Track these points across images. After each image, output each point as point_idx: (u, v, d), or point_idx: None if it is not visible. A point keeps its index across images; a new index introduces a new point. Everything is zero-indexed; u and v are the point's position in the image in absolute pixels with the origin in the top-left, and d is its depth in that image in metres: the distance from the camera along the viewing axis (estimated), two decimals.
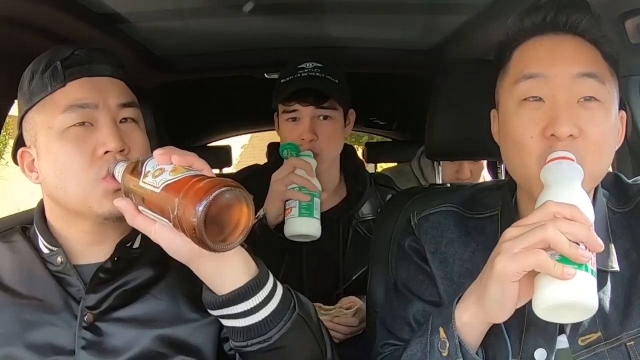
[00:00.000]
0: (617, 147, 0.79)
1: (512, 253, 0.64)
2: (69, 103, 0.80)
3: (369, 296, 1.17)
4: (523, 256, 0.63)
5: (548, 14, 0.76)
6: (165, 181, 0.64)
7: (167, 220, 0.63)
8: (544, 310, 0.64)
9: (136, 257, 0.87)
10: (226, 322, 0.74)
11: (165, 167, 0.67)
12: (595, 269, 0.63)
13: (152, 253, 0.88)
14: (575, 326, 0.76)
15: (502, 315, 0.68)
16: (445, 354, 0.72)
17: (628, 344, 0.75)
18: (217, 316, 0.75)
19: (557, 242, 0.61)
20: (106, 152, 0.79)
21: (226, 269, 0.71)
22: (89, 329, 0.79)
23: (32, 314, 0.79)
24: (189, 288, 0.86)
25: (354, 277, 1.39)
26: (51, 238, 0.85)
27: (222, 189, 0.60)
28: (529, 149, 0.74)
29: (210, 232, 0.60)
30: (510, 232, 0.66)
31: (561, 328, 0.77)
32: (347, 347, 1.25)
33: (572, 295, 0.62)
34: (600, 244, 0.63)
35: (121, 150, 0.80)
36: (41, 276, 0.82)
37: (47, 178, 0.82)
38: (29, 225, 0.91)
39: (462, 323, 0.72)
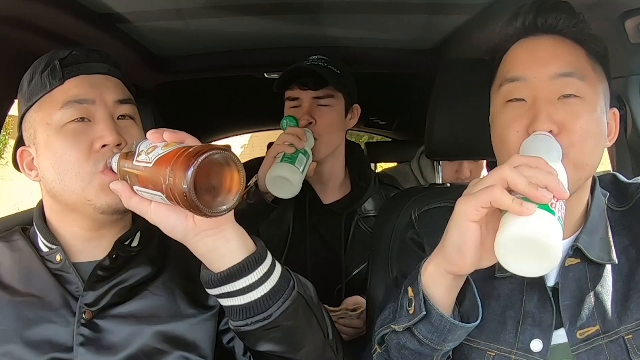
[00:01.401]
0: (608, 145, 0.81)
1: (471, 194, 0.64)
2: (67, 99, 0.82)
3: (369, 295, 1.17)
4: (480, 193, 0.63)
5: (527, 18, 0.79)
6: (157, 155, 0.65)
7: (160, 194, 0.63)
8: (504, 251, 0.61)
9: (134, 256, 0.88)
10: (225, 302, 0.73)
11: (158, 145, 0.67)
12: (562, 217, 0.62)
13: (150, 251, 0.90)
14: (574, 319, 0.77)
15: (462, 261, 0.67)
16: (412, 312, 0.72)
17: (626, 337, 0.76)
18: (216, 296, 0.74)
19: (515, 180, 0.60)
20: (103, 146, 0.80)
21: (223, 246, 0.70)
22: (88, 326, 0.80)
23: (31, 311, 0.80)
24: (187, 285, 0.87)
25: (355, 273, 1.40)
26: (50, 236, 0.85)
27: (210, 152, 0.60)
28: (514, 144, 0.76)
29: (202, 198, 0.60)
30: (473, 182, 0.67)
31: (560, 322, 0.78)
32: (349, 346, 1.25)
33: (530, 230, 0.59)
34: (565, 191, 0.61)
35: (118, 145, 0.81)
36: (40, 274, 0.83)
37: (46, 174, 0.83)
38: (29, 226, 0.91)
39: (427, 276, 0.71)
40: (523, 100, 0.77)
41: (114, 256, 0.85)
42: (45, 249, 0.86)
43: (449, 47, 1.59)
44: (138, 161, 0.68)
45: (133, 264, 0.87)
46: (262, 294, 0.71)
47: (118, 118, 0.85)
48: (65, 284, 0.83)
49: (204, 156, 0.59)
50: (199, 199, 0.59)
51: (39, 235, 0.87)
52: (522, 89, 0.77)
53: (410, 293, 0.73)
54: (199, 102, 2.31)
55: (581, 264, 0.79)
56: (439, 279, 0.71)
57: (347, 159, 1.49)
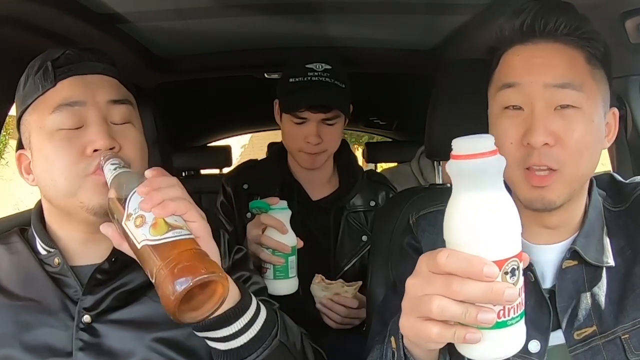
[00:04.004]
0: (606, 146, 0.80)
1: (411, 319, 0.58)
2: (59, 102, 0.80)
3: (369, 296, 1.17)
4: (421, 327, 0.57)
5: (525, 21, 0.76)
6: (145, 239, 0.65)
7: (147, 270, 0.65)
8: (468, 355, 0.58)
9: (133, 258, 0.87)
10: (209, 342, 0.75)
11: (147, 217, 0.66)
12: (515, 314, 0.55)
13: None
14: (571, 320, 0.77)
15: (434, 347, 0.63)
16: None
17: (623, 337, 0.76)
18: (200, 336, 0.75)
19: (448, 315, 0.54)
20: (95, 150, 0.79)
21: None
22: (87, 330, 0.80)
23: (29, 315, 0.79)
24: None
25: (346, 268, 1.40)
26: (48, 239, 0.85)
27: (201, 277, 0.61)
28: (509, 154, 0.75)
29: (182, 308, 0.62)
30: (412, 280, 0.60)
31: (557, 323, 0.78)
32: (350, 346, 1.25)
33: (484, 355, 0.56)
34: (506, 297, 0.52)
35: (111, 148, 0.80)
36: (38, 277, 0.83)
37: (39, 178, 0.83)
38: (27, 226, 0.91)
39: (408, 341, 0.66)
40: (520, 108, 0.76)
41: (113, 259, 0.84)
42: (43, 252, 0.85)
43: (449, 47, 1.59)
44: (126, 225, 0.67)
45: (132, 268, 0.85)
46: (243, 342, 0.73)
47: (114, 123, 0.83)
48: (63, 287, 0.82)
49: (194, 280, 0.60)
50: (178, 311, 0.61)
51: (37, 238, 0.86)
52: (518, 95, 0.75)
53: (393, 344, 0.70)
54: (199, 102, 2.31)
55: (578, 266, 0.79)
56: (415, 347, 0.66)
57: (335, 155, 1.50)
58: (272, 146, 1.65)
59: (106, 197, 0.79)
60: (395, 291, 0.92)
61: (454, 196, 0.56)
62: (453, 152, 0.55)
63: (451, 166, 0.55)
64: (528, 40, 0.77)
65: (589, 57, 0.76)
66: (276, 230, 1.12)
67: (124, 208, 0.68)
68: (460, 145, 0.54)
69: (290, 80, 1.34)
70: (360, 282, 1.29)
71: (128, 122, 0.85)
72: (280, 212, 1.14)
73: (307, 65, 1.34)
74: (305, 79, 1.32)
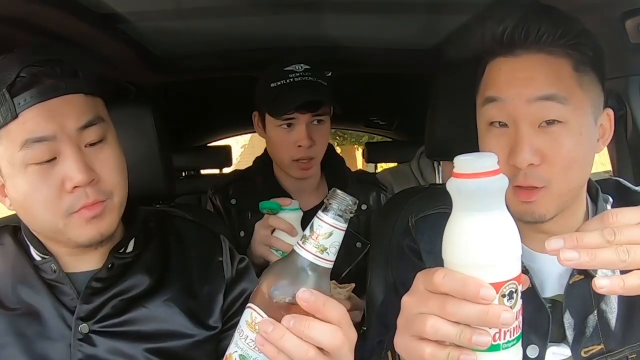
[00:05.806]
0: (600, 150, 0.78)
1: (405, 337, 0.57)
2: (25, 137, 0.73)
3: (369, 297, 1.17)
4: (415, 346, 0.56)
5: (505, 32, 0.73)
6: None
7: None
8: None
9: (131, 262, 0.85)
10: None
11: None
12: (511, 337, 0.54)
13: (148, 257, 0.87)
14: (579, 337, 0.76)
15: None
16: None
17: (630, 356, 0.74)
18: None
19: (442, 335, 0.53)
20: (76, 187, 0.74)
21: None
22: (85, 340, 0.78)
23: (26, 325, 0.78)
24: (189, 303, 0.85)
25: (343, 275, 1.39)
26: (41, 247, 0.82)
27: None
28: None
29: None
30: (408, 298, 0.59)
31: (561, 335, 0.77)
32: None
33: None
34: (502, 320, 0.51)
35: (91, 181, 0.75)
36: (34, 284, 0.80)
37: (19, 211, 0.79)
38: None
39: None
40: (505, 125, 0.74)
41: (110, 265, 0.82)
42: (37, 257, 0.83)
43: (449, 47, 1.59)
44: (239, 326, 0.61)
45: (130, 273, 0.84)
46: None
47: (89, 144, 0.77)
48: (59, 295, 0.80)
49: None
50: None
51: (30, 245, 0.83)
52: (502, 111, 0.73)
53: (390, 359, 0.70)
54: (199, 102, 2.31)
55: (584, 280, 0.77)
56: None
57: (322, 161, 1.45)
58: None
59: (95, 230, 0.76)
60: (395, 291, 0.92)
61: (453, 215, 0.55)
62: (454, 170, 0.54)
63: (451, 185, 0.54)
64: (510, 53, 0.74)
65: (576, 64, 0.72)
66: (285, 232, 1.10)
67: (250, 307, 0.60)
68: (461, 163, 0.53)
69: (272, 85, 1.31)
70: (352, 285, 1.28)
71: (102, 143, 0.79)
72: (291, 212, 1.12)
73: (286, 68, 1.30)
74: (288, 81, 1.29)
